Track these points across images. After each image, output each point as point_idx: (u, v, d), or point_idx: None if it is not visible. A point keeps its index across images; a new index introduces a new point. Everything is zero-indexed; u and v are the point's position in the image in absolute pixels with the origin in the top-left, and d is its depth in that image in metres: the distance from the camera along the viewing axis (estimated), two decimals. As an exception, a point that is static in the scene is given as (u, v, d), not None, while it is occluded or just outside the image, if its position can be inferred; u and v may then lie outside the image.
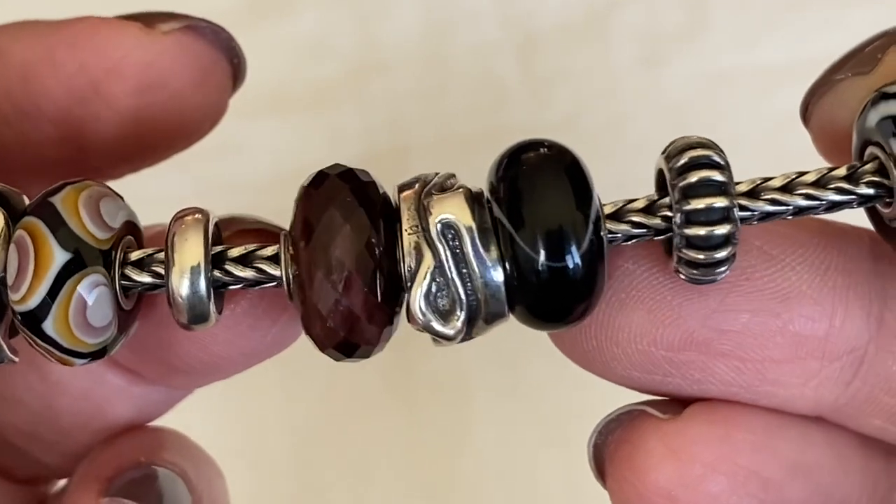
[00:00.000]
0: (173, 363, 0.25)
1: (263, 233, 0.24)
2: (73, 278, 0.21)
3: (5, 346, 0.22)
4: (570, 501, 0.43)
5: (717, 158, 0.20)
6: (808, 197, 0.20)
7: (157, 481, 0.25)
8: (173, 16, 0.24)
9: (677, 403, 0.22)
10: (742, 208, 0.20)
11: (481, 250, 0.20)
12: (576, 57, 0.44)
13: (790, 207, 0.20)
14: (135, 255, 0.22)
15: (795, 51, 0.43)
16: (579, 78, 0.44)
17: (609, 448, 0.23)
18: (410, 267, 0.20)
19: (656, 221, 0.21)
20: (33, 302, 0.21)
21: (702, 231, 0.20)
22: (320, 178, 0.21)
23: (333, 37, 0.44)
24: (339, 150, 0.43)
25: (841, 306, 0.22)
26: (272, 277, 0.21)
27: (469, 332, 0.21)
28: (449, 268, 0.20)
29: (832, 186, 0.20)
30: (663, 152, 0.21)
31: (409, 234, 0.20)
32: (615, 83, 0.44)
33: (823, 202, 0.20)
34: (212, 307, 0.21)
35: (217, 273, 0.21)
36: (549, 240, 0.20)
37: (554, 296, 0.20)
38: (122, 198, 0.22)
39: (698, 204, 0.20)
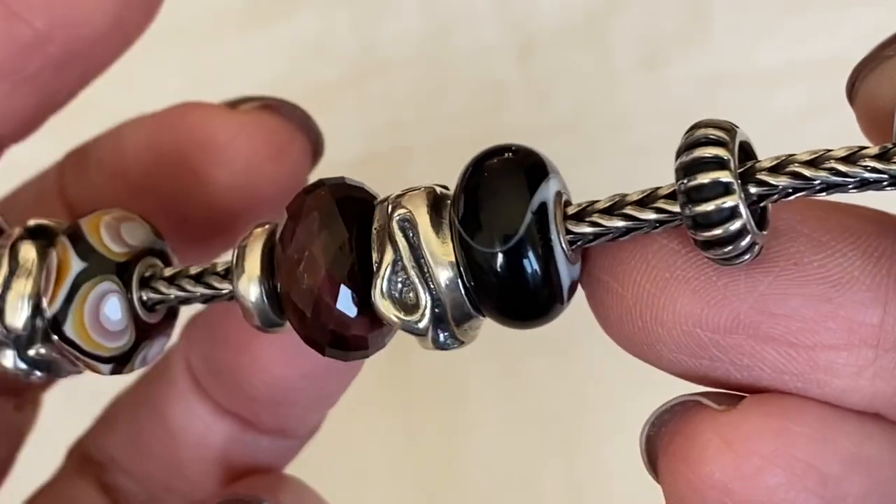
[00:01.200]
0: (246, 392, 0.27)
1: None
2: (87, 284, 0.23)
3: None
4: (569, 502, 0.43)
5: (716, 134, 0.20)
6: (836, 173, 0.20)
7: None
8: (252, 98, 0.27)
9: (732, 395, 0.22)
10: (760, 183, 0.20)
11: (434, 245, 0.21)
12: (576, 59, 0.44)
13: (815, 183, 0.20)
14: (167, 272, 0.24)
15: (796, 52, 0.43)
16: (579, 80, 0.44)
17: (662, 440, 0.22)
18: (376, 262, 0.21)
19: (651, 215, 0.21)
20: (55, 306, 0.23)
21: (709, 207, 0.20)
22: (312, 188, 0.22)
23: (333, 37, 0.44)
24: (339, 151, 0.43)
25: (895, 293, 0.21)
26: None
27: (446, 330, 0.22)
28: (407, 259, 0.21)
29: (862, 164, 0.20)
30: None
31: (376, 231, 0.21)
32: (615, 85, 0.44)
33: (853, 179, 0.20)
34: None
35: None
36: (500, 239, 0.21)
37: (511, 294, 0.21)
38: (153, 227, 0.25)
39: (696, 181, 0.20)
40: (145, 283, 0.24)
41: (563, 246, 0.21)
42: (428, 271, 0.21)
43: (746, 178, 0.20)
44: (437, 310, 0.21)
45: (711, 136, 0.20)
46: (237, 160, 0.26)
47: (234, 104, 0.27)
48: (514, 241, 0.20)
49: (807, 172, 0.20)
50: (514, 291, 0.21)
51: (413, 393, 0.44)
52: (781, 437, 0.21)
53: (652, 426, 0.23)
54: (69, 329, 0.23)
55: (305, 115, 0.28)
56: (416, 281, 0.21)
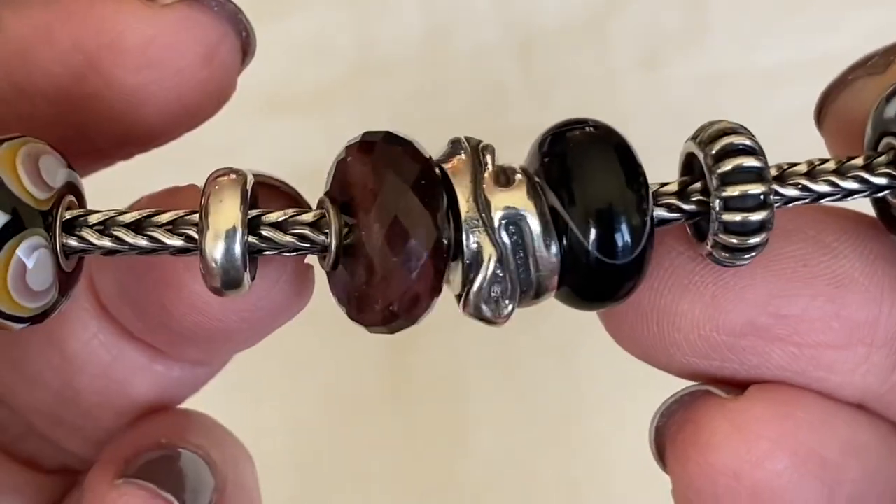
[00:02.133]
0: (173, 328, 0.24)
1: (290, 197, 0.23)
2: (12, 241, 0.20)
3: None
4: (569, 502, 0.43)
5: (751, 144, 0.21)
6: (830, 184, 0.21)
7: (178, 463, 0.24)
8: None
9: (737, 386, 0.23)
10: (774, 193, 0.21)
11: (542, 241, 0.21)
12: (576, 59, 0.44)
13: (812, 194, 0.21)
14: (166, 217, 0.21)
15: (795, 52, 0.43)
16: (579, 80, 0.44)
17: (671, 430, 0.23)
18: (471, 256, 0.20)
19: (691, 206, 0.21)
20: None
21: (738, 217, 0.20)
22: (369, 144, 0.20)
23: (333, 37, 0.44)
24: (339, 151, 0.43)
25: (888, 293, 0.22)
26: (315, 245, 0.20)
27: (514, 308, 0.21)
28: (509, 261, 0.21)
29: (851, 175, 0.21)
30: (693, 137, 0.21)
31: (470, 227, 0.20)
32: (615, 85, 0.44)
33: (842, 190, 0.21)
34: (246, 274, 0.20)
35: (252, 238, 0.20)
36: (600, 219, 0.20)
37: (603, 276, 0.21)
38: (62, 154, 0.22)
39: (734, 191, 0.20)
40: (69, 230, 0.21)
41: (651, 225, 0.21)
42: (526, 264, 0.21)
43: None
44: (521, 298, 0.21)
45: (749, 145, 0.21)
46: (158, 65, 0.22)
47: None
48: (619, 220, 0.20)
49: (808, 184, 0.21)
50: (608, 272, 0.21)
51: (413, 393, 0.44)
52: (787, 422, 0.22)
53: (661, 417, 0.23)
54: None
55: (236, 9, 0.23)
56: (514, 277, 0.21)
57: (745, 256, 0.21)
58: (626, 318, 0.22)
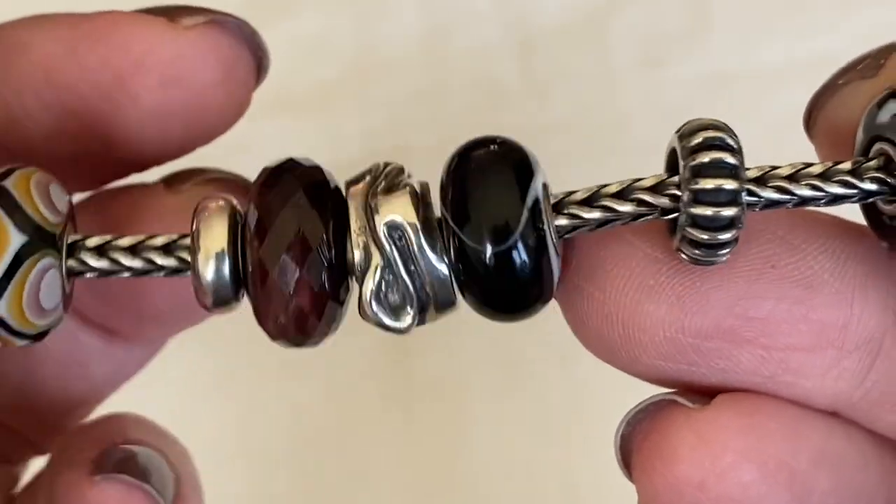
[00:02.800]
0: (147, 312, 0.25)
1: (226, 183, 0.25)
2: (30, 260, 0.21)
3: None
4: (569, 502, 0.43)
5: (730, 142, 0.20)
6: (813, 188, 0.21)
7: (140, 459, 0.25)
8: (197, 10, 0.24)
9: (704, 395, 0.22)
10: (750, 193, 0.21)
11: (426, 247, 0.21)
12: (576, 58, 0.44)
13: (795, 197, 0.21)
14: (93, 242, 0.22)
15: (796, 52, 0.43)
16: (579, 79, 0.44)
17: (637, 438, 0.22)
18: (360, 266, 0.21)
19: (663, 200, 0.21)
20: None
21: (708, 211, 0.20)
22: (275, 175, 0.22)
23: (333, 37, 0.44)
24: (339, 151, 0.43)
25: (859, 295, 0.22)
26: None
27: (421, 320, 0.22)
28: (396, 265, 0.21)
29: (836, 179, 0.21)
30: (677, 131, 0.21)
31: (357, 234, 0.21)
32: (615, 84, 0.44)
33: (827, 194, 0.21)
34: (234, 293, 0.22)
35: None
36: (494, 234, 0.20)
37: (503, 287, 0.21)
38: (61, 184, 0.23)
39: (707, 184, 0.20)
40: (101, 254, 0.22)
41: (554, 239, 0.21)
42: (416, 272, 0.21)
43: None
44: (421, 307, 0.21)
45: (728, 143, 0.20)
46: (181, 83, 0.24)
47: (173, 15, 0.24)
48: (509, 235, 0.20)
49: (788, 186, 0.21)
50: (505, 285, 0.21)
51: (413, 393, 0.44)
52: (754, 433, 0.21)
53: (627, 425, 0.23)
54: (3, 308, 0.21)
55: (252, 31, 0.25)
56: (406, 283, 0.21)
57: (717, 253, 0.21)
58: (590, 320, 0.22)
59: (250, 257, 0.21)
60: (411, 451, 0.44)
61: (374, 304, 0.21)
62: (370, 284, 0.21)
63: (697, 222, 0.20)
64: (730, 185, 0.20)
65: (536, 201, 0.21)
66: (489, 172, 0.21)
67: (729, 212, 0.20)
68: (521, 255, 0.21)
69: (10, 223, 0.21)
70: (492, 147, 0.21)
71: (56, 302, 0.22)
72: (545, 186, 0.21)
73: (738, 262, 0.22)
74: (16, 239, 0.21)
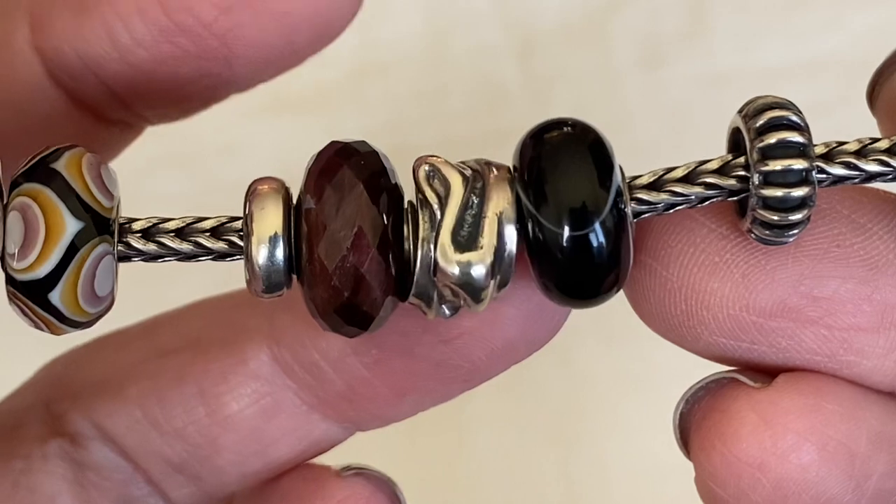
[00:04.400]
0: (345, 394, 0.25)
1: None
2: (86, 247, 0.20)
3: None
4: (568, 502, 0.43)
5: (796, 119, 0.20)
6: (881, 163, 0.20)
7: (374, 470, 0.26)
8: None
9: (765, 374, 0.22)
10: (819, 171, 0.20)
11: (500, 201, 0.20)
12: (576, 59, 0.44)
13: (862, 173, 0.20)
14: (139, 225, 0.21)
15: (796, 52, 0.43)
16: (579, 80, 0.44)
17: (696, 417, 0.22)
18: (436, 204, 0.20)
19: (731, 182, 0.21)
20: (42, 271, 0.20)
21: (779, 192, 0.20)
22: (333, 163, 0.21)
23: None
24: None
25: None
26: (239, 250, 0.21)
27: (479, 297, 0.21)
28: (472, 207, 0.20)
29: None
30: (740, 111, 0.21)
31: (418, 199, 0.21)
32: (615, 85, 0.44)
33: (894, 169, 0.20)
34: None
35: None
36: (572, 216, 0.20)
37: (580, 271, 0.20)
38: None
39: (776, 165, 0.20)
40: (147, 237, 0.21)
41: (632, 224, 0.21)
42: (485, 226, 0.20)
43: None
44: (495, 265, 0.20)
45: (794, 121, 0.20)
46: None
47: None
48: (589, 218, 0.20)
49: (856, 162, 0.20)
50: (581, 268, 0.20)
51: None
52: (815, 414, 0.21)
53: (686, 403, 0.23)
54: (56, 297, 0.20)
55: None
56: (484, 222, 0.20)
57: (788, 233, 0.20)
58: (653, 295, 0.22)
59: (306, 248, 0.21)
60: (411, 450, 0.44)
61: (452, 242, 0.20)
62: (449, 220, 0.20)
63: (768, 203, 0.20)
64: (799, 164, 0.20)
65: (618, 185, 0.20)
66: (567, 154, 0.20)
67: (800, 192, 0.20)
68: (598, 240, 0.20)
69: (65, 209, 0.20)
70: (566, 129, 0.21)
71: (109, 288, 0.21)
72: (622, 169, 0.21)
73: (803, 241, 0.21)
74: (71, 225, 0.20)
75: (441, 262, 0.20)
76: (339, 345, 0.24)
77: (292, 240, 0.21)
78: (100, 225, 0.21)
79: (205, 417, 0.25)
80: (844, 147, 0.20)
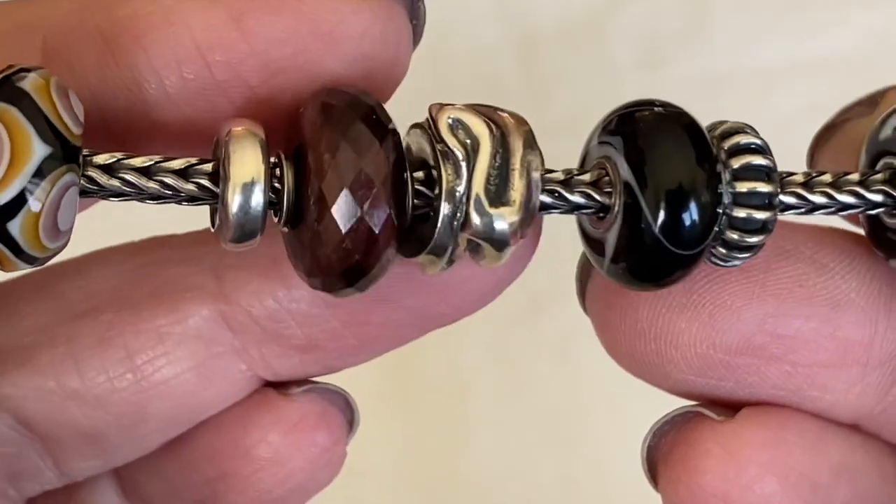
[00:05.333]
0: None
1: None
2: (52, 175, 0.19)
3: None
4: (568, 502, 0.43)
5: (761, 144, 0.21)
6: (825, 196, 0.21)
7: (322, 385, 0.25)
8: None
9: (729, 407, 0.23)
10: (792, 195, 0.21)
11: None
12: (576, 58, 0.44)
13: (808, 204, 0.21)
14: (102, 159, 0.20)
15: (796, 52, 0.43)
16: (579, 79, 0.44)
17: (663, 450, 0.23)
18: (461, 156, 0.20)
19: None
20: (3, 197, 0.18)
21: (743, 214, 0.20)
22: (329, 105, 0.20)
23: None
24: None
25: (884, 314, 0.22)
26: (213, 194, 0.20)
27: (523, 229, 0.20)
28: (499, 157, 0.20)
29: (846, 189, 0.21)
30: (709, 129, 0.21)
31: (439, 151, 0.20)
32: (615, 84, 0.44)
33: (837, 203, 0.21)
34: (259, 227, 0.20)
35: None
36: (669, 196, 0.20)
37: (663, 260, 0.20)
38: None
39: (743, 187, 0.20)
40: (110, 172, 0.20)
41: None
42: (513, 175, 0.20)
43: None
44: (525, 219, 0.20)
45: (759, 145, 0.21)
46: (366, 59, 0.21)
47: None
48: (687, 198, 0.20)
49: (804, 193, 0.21)
50: (671, 248, 0.20)
51: (413, 393, 0.44)
52: (777, 446, 0.22)
53: (653, 437, 0.23)
54: (16, 227, 0.19)
55: (419, 2, 0.22)
56: (513, 175, 0.20)
57: (739, 256, 0.21)
58: (623, 337, 0.22)
59: (307, 191, 0.19)
60: (411, 450, 0.44)
61: (484, 194, 0.20)
62: (480, 172, 0.20)
63: (734, 224, 0.20)
64: (765, 188, 0.20)
65: (714, 164, 0.20)
66: (664, 133, 0.21)
67: (763, 215, 0.20)
68: (692, 218, 0.20)
69: (34, 131, 0.19)
70: (656, 108, 0.21)
71: (71, 223, 0.19)
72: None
73: (768, 281, 0.22)
74: (39, 150, 0.18)
75: (473, 216, 0.20)
76: (309, 296, 0.23)
77: (285, 186, 0.20)
78: (68, 152, 0.19)
79: (133, 384, 0.23)
80: (793, 178, 0.21)
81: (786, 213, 0.21)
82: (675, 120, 0.21)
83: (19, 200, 0.18)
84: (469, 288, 0.23)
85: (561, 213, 0.21)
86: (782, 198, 0.21)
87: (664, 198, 0.20)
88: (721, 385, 0.22)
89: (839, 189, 0.21)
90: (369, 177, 0.19)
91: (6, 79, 0.19)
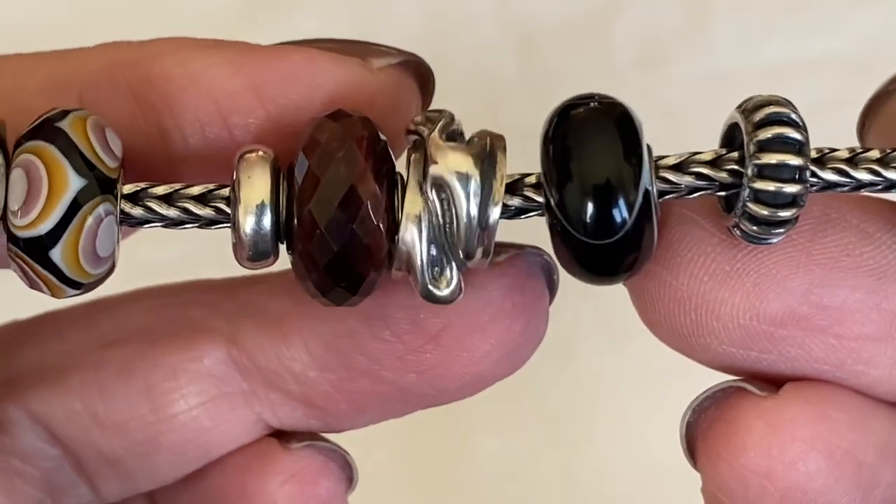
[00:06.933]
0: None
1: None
2: (88, 205, 0.20)
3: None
4: (569, 502, 0.43)
5: (795, 117, 0.20)
6: (871, 172, 0.20)
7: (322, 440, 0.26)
8: (385, 51, 0.23)
9: (771, 383, 0.22)
10: (811, 174, 0.20)
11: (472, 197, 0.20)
12: (576, 58, 0.44)
13: (853, 181, 0.20)
14: (196, 191, 0.21)
15: (796, 52, 0.43)
16: (579, 79, 0.44)
17: (702, 426, 0.22)
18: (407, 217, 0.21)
19: (722, 175, 0.20)
20: (44, 228, 0.20)
21: (771, 187, 0.20)
22: (323, 126, 0.21)
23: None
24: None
25: None
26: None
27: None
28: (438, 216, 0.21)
29: (894, 165, 0.20)
30: (739, 106, 0.21)
31: (417, 183, 0.21)
32: (615, 84, 0.44)
33: (885, 180, 0.20)
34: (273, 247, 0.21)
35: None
36: (596, 192, 0.20)
37: (601, 248, 0.20)
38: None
39: (772, 159, 0.20)
40: (134, 200, 0.21)
41: (657, 202, 0.21)
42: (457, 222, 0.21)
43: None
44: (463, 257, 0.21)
45: (793, 118, 0.20)
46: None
47: (363, 54, 0.23)
48: (612, 194, 0.20)
49: (847, 169, 0.20)
50: (601, 244, 0.20)
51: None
52: (822, 423, 0.21)
53: (693, 413, 0.23)
54: (57, 255, 0.20)
55: (429, 70, 0.24)
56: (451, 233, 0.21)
57: (773, 231, 0.20)
58: (662, 306, 0.22)
59: (297, 210, 0.21)
60: (411, 451, 0.44)
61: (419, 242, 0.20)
62: (414, 237, 0.20)
63: (759, 197, 0.20)
64: (794, 160, 0.20)
65: (641, 160, 0.20)
66: (592, 129, 0.20)
67: (792, 188, 0.20)
68: (622, 215, 0.20)
69: (69, 165, 0.20)
70: (591, 104, 0.21)
71: (111, 250, 0.21)
72: (649, 147, 0.21)
73: (813, 250, 0.21)
74: (74, 182, 0.20)
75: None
76: (305, 357, 0.24)
77: (281, 208, 0.21)
78: (103, 184, 0.21)
79: (149, 414, 0.25)
80: (836, 154, 0.20)
81: (829, 190, 0.20)
82: (606, 114, 0.21)
83: (58, 230, 0.20)
84: (454, 373, 0.24)
85: (506, 218, 0.21)
86: (823, 174, 0.20)
87: (579, 193, 0.20)
88: (763, 358, 0.22)
89: (887, 165, 0.20)
90: (346, 175, 0.20)
91: (46, 120, 0.21)
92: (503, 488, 0.43)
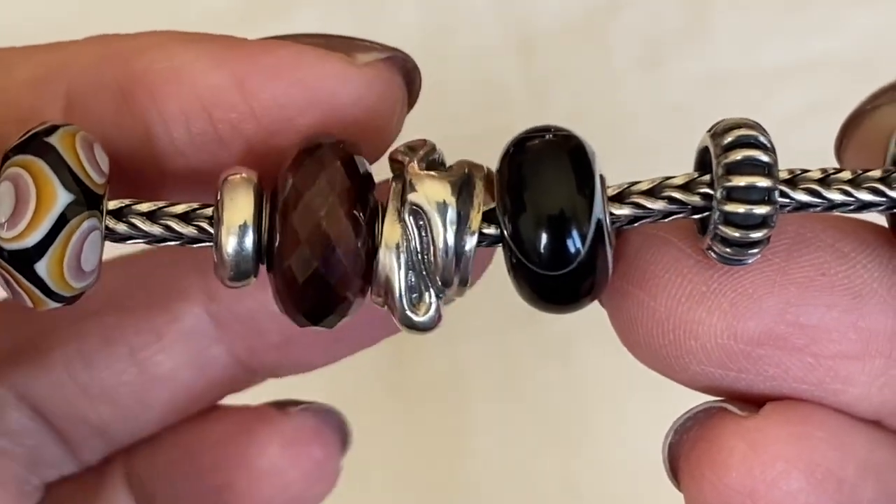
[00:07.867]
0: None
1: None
2: (75, 220, 0.21)
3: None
4: (569, 502, 0.43)
5: (763, 140, 0.20)
6: (843, 193, 0.20)
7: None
8: (370, 46, 0.23)
9: (751, 403, 0.22)
10: (781, 194, 0.20)
11: (449, 227, 0.21)
12: (576, 58, 0.44)
13: (825, 201, 0.21)
14: (180, 209, 0.22)
15: (796, 52, 0.43)
16: (579, 79, 0.44)
17: (685, 446, 0.22)
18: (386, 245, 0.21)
19: (694, 199, 0.21)
20: (31, 241, 0.20)
21: (741, 209, 0.20)
22: (307, 152, 0.21)
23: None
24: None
25: None
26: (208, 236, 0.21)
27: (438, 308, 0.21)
28: (416, 246, 0.21)
29: (866, 186, 0.20)
30: (709, 130, 0.21)
31: (396, 210, 0.21)
32: (615, 85, 0.44)
33: (857, 200, 0.20)
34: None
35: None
36: (550, 223, 0.20)
37: (557, 279, 0.20)
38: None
39: (740, 181, 0.20)
40: (118, 217, 0.21)
41: (610, 232, 0.21)
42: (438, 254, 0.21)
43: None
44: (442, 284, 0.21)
45: (761, 141, 0.20)
46: (358, 126, 0.22)
47: (348, 49, 0.23)
48: (565, 224, 0.20)
49: (819, 190, 0.21)
50: (557, 276, 0.21)
51: (414, 394, 0.44)
52: (803, 442, 0.21)
53: (675, 433, 0.23)
54: (42, 268, 0.21)
55: (415, 66, 0.24)
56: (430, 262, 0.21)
57: (747, 252, 0.21)
58: (641, 327, 0.22)
59: (278, 233, 0.21)
60: (411, 451, 0.44)
61: (399, 271, 0.21)
62: (393, 254, 0.21)
63: (730, 219, 0.20)
64: (763, 182, 0.20)
65: (594, 191, 0.20)
66: (546, 161, 0.21)
67: (761, 210, 0.20)
68: (575, 246, 0.20)
69: (57, 180, 0.21)
70: (547, 136, 0.21)
71: (95, 264, 0.21)
72: (602, 178, 0.21)
73: (789, 269, 0.22)
74: (62, 197, 0.21)
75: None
76: None
77: (262, 229, 0.21)
78: (90, 199, 0.21)
79: (136, 377, 0.26)
80: (808, 174, 0.21)
81: (801, 211, 0.21)
82: (560, 146, 0.21)
83: (44, 244, 0.20)
84: None
85: (484, 246, 0.21)
86: (795, 195, 0.20)
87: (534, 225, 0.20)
88: (742, 378, 0.22)
89: (858, 186, 0.20)
90: (328, 191, 0.21)
91: (36, 135, 0.21)
92: (502, 488, 0.43)
